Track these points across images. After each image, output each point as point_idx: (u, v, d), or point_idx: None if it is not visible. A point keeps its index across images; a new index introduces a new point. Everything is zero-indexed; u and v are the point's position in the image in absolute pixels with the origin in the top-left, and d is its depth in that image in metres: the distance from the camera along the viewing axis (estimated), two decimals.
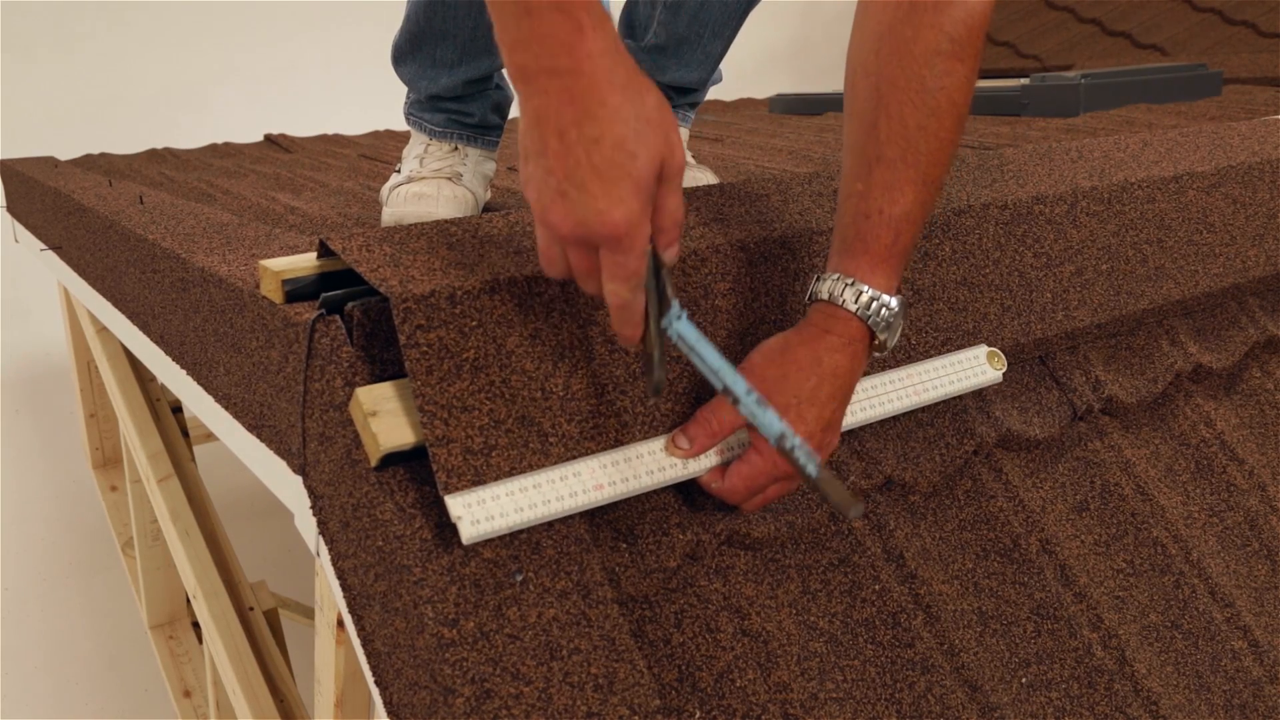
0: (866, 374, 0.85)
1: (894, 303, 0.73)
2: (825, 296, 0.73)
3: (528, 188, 0.61)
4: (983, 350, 0.92)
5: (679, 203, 0.62)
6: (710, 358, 0.67)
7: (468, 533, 0.63)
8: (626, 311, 0.63)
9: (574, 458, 0.70)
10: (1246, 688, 0.92)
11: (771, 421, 0.66)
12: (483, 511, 0.63)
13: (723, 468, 0.73)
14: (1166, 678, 0.89)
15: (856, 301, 0.72)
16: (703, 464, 0.74)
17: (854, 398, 0.81)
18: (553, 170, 0.58)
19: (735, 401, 0.67)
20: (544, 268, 0.64)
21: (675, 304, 0.66)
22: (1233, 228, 1.21)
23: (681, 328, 0.66)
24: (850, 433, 0.86)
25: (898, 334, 0.75)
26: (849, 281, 0.72)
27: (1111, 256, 1.08)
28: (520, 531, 0.66)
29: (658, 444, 0.74)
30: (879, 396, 0.85)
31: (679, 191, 0.63)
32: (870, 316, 0.72)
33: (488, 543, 0.65)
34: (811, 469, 0.65)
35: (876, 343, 0.74)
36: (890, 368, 0.88)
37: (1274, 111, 2.11)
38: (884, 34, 0.72)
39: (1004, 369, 0.92)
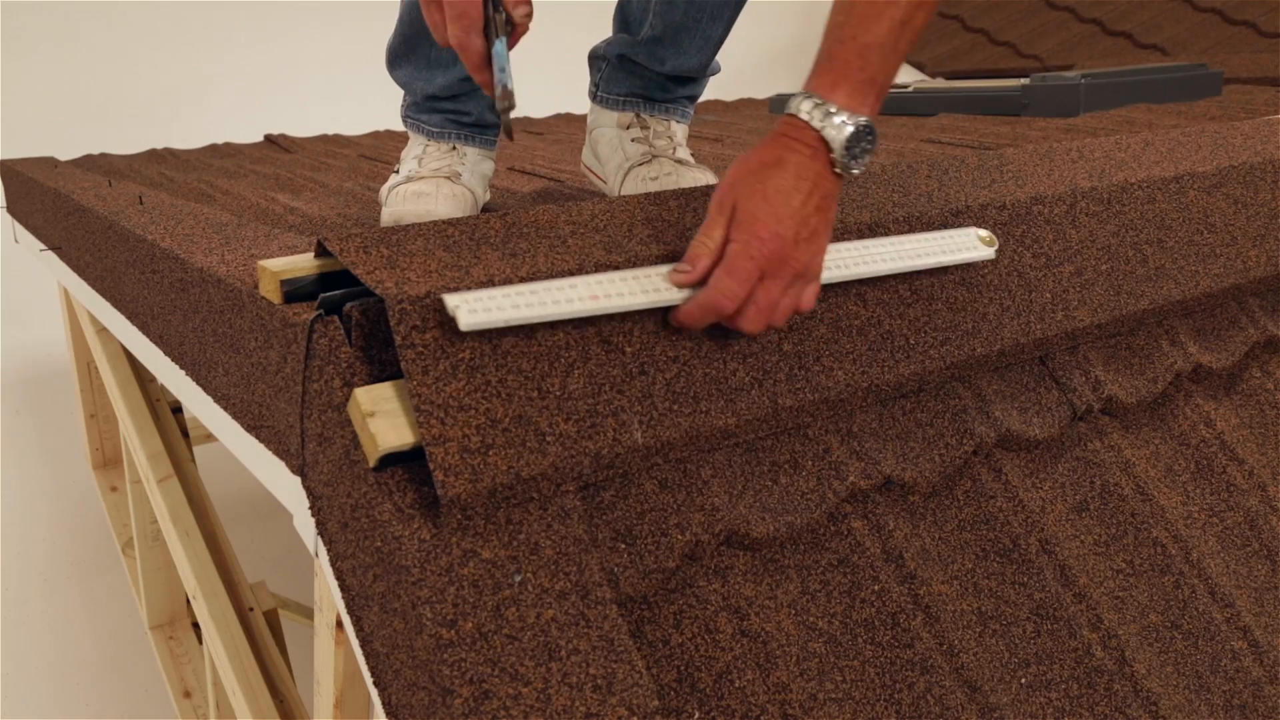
0: (861, 237, 0.90)
1: (850, 119, 0.75)
2: (791, 110, 0.77)
3: None
4: (973, 231, 0.94)
5: None
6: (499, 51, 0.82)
7: (465, 320, 0.64)
8: (466, 53, 0.80)
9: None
10: (1246, 688, 0.92)
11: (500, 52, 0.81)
12: (480, 305, 0.65)
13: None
14: (1166, 678, 0.89)
15: (811, 112, 0.76)
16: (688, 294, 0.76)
17: (847, 256, 0.85)
18: None
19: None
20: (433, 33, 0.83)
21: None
22: (1233, 228, 1.21)
23: (498, 47, 0.81)
24: (849, 432, 0.86)
25: (859, 157, 0.77)
26: (813, 97, 0.76)
27: (1111, 257, 1.08)
28: (519, 532, 0.66)
29: (655, 270, 0.76)
30: (872, 254, 0.87)
31: None
32: (825, 128, 0.75)
33: (486, 543, 0.65)
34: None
35: (833, 157, 0.76)
36: (884, 235, 0.90)
37: (1274, 111, 2.11)
38: None
39: (996, 246, 0.94)
